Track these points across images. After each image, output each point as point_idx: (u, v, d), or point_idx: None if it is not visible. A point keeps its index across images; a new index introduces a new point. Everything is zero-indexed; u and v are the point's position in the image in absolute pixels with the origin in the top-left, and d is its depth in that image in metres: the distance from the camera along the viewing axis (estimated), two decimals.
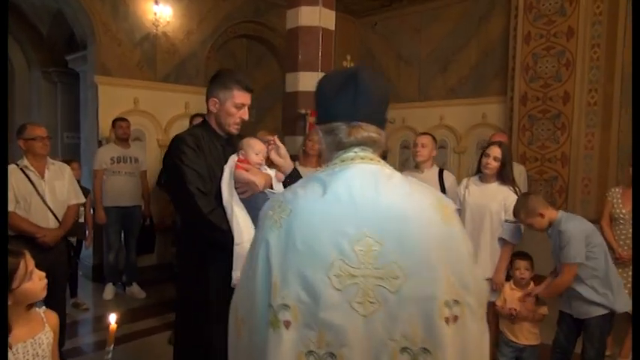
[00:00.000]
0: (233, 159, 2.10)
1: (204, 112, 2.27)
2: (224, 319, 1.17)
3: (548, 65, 5.37)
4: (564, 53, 5.25)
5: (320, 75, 3.29)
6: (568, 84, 5.25)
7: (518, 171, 4.18)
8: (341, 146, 1.09)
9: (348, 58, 6.15)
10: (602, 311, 2.65)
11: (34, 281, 1.51)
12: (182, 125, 5.39)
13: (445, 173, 3.55)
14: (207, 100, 2.16)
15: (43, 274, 1.56)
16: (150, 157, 5.39)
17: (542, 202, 2.72)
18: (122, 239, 5.05)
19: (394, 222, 0.97)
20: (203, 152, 2.09)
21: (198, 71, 6.00)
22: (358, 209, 0.98)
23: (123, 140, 4.92)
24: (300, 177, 2.22)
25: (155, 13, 5.55)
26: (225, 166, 2.08)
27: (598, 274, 2.65)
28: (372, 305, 0.94)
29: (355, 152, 1.07)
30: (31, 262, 1.51)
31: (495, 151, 3.11)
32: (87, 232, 4.54)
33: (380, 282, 0.95)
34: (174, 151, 2.05)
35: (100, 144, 5.17)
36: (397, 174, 1.07)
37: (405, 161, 6.99)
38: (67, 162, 3.76)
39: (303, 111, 4.33)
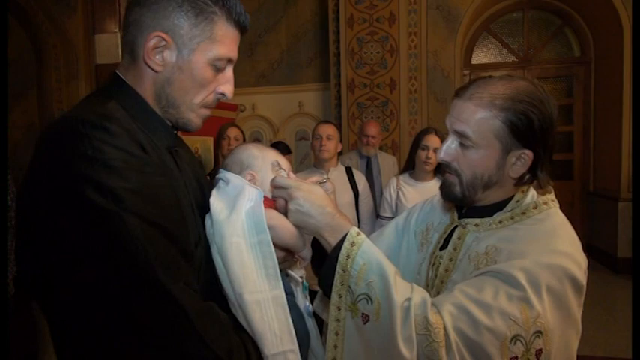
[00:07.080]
0: (252, 196, 0.90)
1: None
2: None
3: (373, 51, 5.20)
4: (388, 39, 5.17)
5: None
6: (393, 71, 5.20)
7: (392, 162, 3.80)
8: None
9: None
10: None
11: None
12: None
13: (356, 173, 2.84)
14: (129, 38, 0.85)
15: None
16: None
17: None
18: None
19: None
20: (159, 165, 0.82)
21: None
22: None
23: None
24: None
25: None
26: (237, 218, 0.86)
27: None
28: None
29: None
30: None
31: (434, 141, 2.56)
32: None
33: None
34: (80, 168, 0.68)
35: None
36: None
37: None
38: None
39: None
